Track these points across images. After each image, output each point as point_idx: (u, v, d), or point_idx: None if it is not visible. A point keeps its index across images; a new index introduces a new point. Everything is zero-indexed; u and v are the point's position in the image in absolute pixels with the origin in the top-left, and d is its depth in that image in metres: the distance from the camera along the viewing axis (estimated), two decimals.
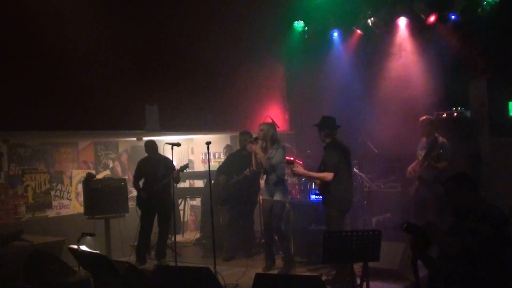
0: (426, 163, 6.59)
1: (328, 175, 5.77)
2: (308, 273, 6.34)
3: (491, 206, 3.76)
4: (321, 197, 6.14)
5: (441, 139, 6.77)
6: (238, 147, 8.07)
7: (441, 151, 6.54)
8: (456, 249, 3.62)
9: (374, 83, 8.81)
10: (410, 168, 7.05)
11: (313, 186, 7.80)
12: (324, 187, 5.89)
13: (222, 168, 7.86)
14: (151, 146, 7.50)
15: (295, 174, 5.85)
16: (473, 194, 3.78)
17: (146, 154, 7.65)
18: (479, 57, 7.77)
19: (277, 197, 6.63)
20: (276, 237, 7.06)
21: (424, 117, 6.94)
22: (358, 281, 4.82)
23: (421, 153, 6.85)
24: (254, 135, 7.29)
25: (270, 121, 7.58)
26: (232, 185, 7.51)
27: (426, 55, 8.38)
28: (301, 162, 8.34)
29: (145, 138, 7.80)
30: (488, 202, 3.81)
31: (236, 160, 7.70)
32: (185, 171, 7.49)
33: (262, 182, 7.58)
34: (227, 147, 9.00)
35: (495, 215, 3.64)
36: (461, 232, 3.70)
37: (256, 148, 6.61)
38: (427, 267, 3.81)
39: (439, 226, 3.82)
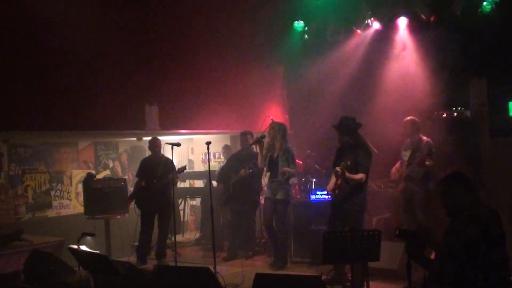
0: (417, 161, 6.57)
1: (363, 177, 5.72)
2: (308, 273, 6.34)
3: (481, 206, 3.73)
4: (330, 197, 6.01)
5: (425, 138, 6.80)
6: (238, 147, 8.07)
7: (433, 150, 6.56)
8: (443, 251, 3.63)
9: (374, 83, 8.80)
10: (394, 169, 7.06)
11: (313, 186, 7.80)
12: (351, 189, 5.77)
13: (224, 170, 7.85)
14: (155, 144, 7.48)
15: (338, 176, 5.72)
16: (466, 194, 3.75)
17: (146, 154, 7.66)
18: (479, 57, 7.76)
19: (280, 196, 6.73)
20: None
21: (408, 118, 6.95)
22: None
23: (406, 154, 6.86)
24: (256, 134, 7.33)
25: (270, 121, 7.60)
26: (231, 185, 7.52)
27: (426, 55, 8.37)
28: (301, 162, 8.35)
29: (145, 138, 7.80)
30: (480, 202, 3.77)
31: (236, 160, 7.70)
32: (184, 171, 7.50)
33: (263, 181, 7.61)
34: (225, 147, 8.99)
35: (483, 216, 3.62)
36: (450, 233, 3.71)
37: (258, 148, 6.80)
38: (424, 268, 3.81)
39: (430, 227, 3.83)
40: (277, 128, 6.87)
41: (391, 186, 7.54)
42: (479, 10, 7.67)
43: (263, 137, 6.93)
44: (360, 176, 5.71)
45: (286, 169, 6.72)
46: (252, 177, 7.33)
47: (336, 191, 5.83)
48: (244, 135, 7.68)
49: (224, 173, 7.78)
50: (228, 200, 7.64)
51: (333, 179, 5.98)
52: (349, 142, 5.82)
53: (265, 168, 7.04)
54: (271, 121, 8.03)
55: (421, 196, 6.68)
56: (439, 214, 6.90)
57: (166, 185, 7.26)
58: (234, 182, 7.49)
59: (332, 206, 5.98)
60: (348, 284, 5.68)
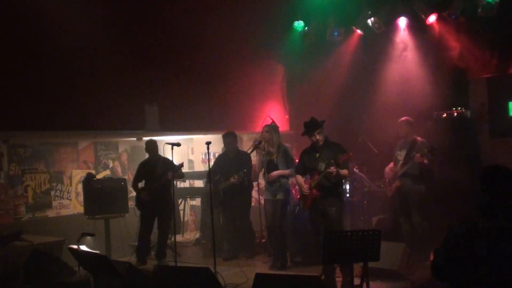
0: (417, 158, 6.54)
1: (347, 172, 5.94)
2: (308, 273, 6.33)
3: (488, 216, 3.31)
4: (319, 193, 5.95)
5: (420, 139, 6.78)
6: (225, 148, 7.99)
7: (435, 146, 6.53)
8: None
9: (374, 82, 8.80)
10: (387, 169, 7.05)
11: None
12: (334, 185, 5.83)
13: (212, 171, 7.77)
14: (151, 146, 7.50)
15: (332, 174, 5.70)
16: (483, 196, 3.37)
17: (146, 154, 7.66)
18: (479, 57, 7.76)
19: (280, 196, 6.75)
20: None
21: (403, 119, 6.93)
22: (359, 281, 4.81)
23: (400, 153, 6.84)
24: (245, 135, 7.28)
25: (270, 121, 7.60)
26: (221, 190, 7.47)
27: (426, 55, 8.37)
28: None
29: (145, 138, 7.80)
30: (490, 212, 3.34)
31: (223, 163, 7.64)
32: (181, 169, 7.49)
33: (261, 182, 7.60)
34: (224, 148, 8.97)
35: (473, 229, 3.28)
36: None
37: (256, 153, 6.91)
38: None
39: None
40: (271, 131, 6.87)
41: (385, 186, 7.53)
42: (479, 10, 7.66)
43: (260, 142, 6.93)
44: (346, 172, 5.87)
45: (275, 173, 6.76)
46: (242, 183, 7.30)
47: (313, 190, 5.84)
48: (228, 137, 7.56)
49: (213, 174, 7.71)
50: (220, 204, 7.60)
51: (302, 180, 6.09)
52: (322, 141, 5.88)
53: (263, 170, 7.03)
54: (271, 121, 8.02)
55: (416, 197, 6.67)
56: (434, 214, 6.94)
57: (165, 186, 7.26)
58: (224, 187, 7.46)
59: (312, 207, 5.95)
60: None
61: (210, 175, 6.97)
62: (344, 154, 5.73)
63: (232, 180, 7.23)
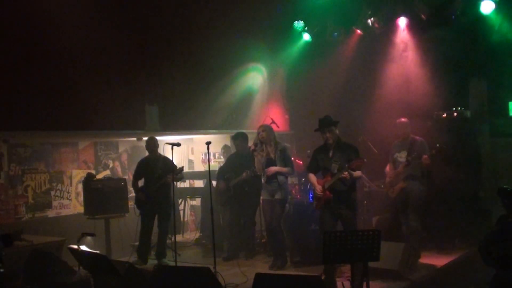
0: (426, 160, 6.52)
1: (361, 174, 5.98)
2: (308, 273, 6.34)
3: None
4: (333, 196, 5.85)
5: (418, 138, 6.76)
6: (236, 149, 8.02)
7: (444, 147, 6.51)
8: None
9: (374, 82, 8.81)
10: (387, 169, 7.04)
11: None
12: (347, 188, 5.77)
13: (223, 170, 7.84)
14: (151, 144, 7.48)
15: (346, 179, 5.68)
16: None
17: (147, 153, 7.66)
18: (479, 57, 7.77)
19: (279, 196, 6.73)
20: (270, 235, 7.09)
21: (402, 120, 6.91)
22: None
23: (400, 155, 6.80)
24: (250, 134, 7.27)
25: (270, 121, 7.59)
26: (232, 187, 7.50)
27: (426, 55, 8.38)
28: (301, 162, 8.35)
29: (145, 138, 7.80)
30: None
31: (235, 161, 7.67)
32: (182, 171, 7.49)
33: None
34: (225, 147, 8.96)
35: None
36: None
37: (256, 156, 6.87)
38: None
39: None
40: (267, 130, 6.87)
41: (385, 187, 7.53)
42: (479, 10, 7.67)
43: (256, 144, 6.92)
44: (359, 173, 5.83)
45: (273, 169, 6.71)
46: (253, 179, 7.31)
47: (327, 192, 5.80)
48: (237, 139, 7.58)
49: (224, 172, 7.76)
50: (229, 201, 7.63)
51: (315, 180, 5.98)
52: (331, 140, 5.83)
53: (263, 170, 7.00)
54: (270, 121, 8.02)
55: (417, 197, 6.66)
56: (432, 215, 6.95)
57: (165, 185, 7.25)
58: (234, 183, 7.48)
59: (324, 208, 5.87)
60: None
61: (210, 175, 6.97)
62: (357, 159, 5.63)
63: (244, 175, 7.23)
